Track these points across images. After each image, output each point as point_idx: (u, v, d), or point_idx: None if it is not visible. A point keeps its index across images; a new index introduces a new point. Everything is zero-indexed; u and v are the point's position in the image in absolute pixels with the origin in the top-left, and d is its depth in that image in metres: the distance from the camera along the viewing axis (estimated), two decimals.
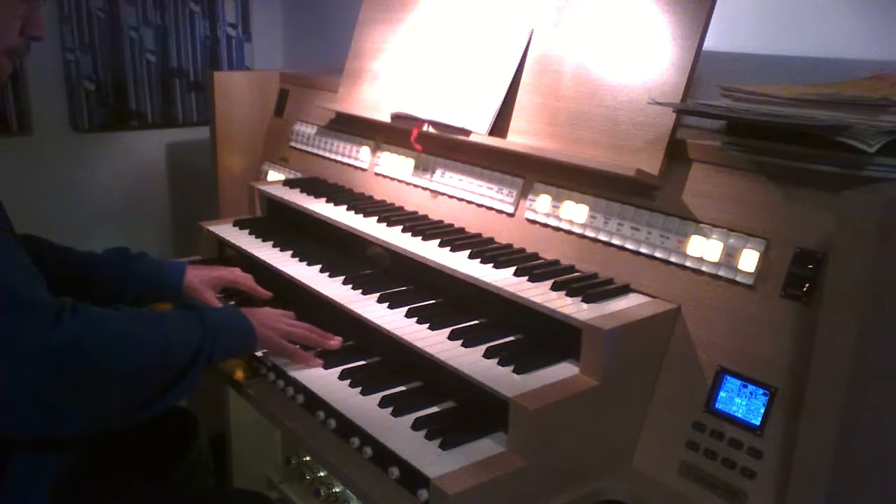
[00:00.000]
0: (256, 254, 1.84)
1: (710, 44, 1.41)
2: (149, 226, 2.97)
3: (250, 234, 1.98)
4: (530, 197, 1.63)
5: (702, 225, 1.35)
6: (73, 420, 1.22)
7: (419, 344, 1.39)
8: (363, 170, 2.08)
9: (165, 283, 1.67)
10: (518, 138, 1.66)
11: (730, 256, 1.29)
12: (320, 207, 1.90)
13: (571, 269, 1.51)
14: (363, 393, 1.39)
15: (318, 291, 1.62)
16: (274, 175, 2.39)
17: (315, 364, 1.49)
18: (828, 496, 1.06)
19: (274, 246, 1.88)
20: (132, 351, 1.24)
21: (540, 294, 1.39)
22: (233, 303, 1.75)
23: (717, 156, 1.34)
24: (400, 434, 1.27)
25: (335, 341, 1.54)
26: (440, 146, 1.84)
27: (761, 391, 1.23)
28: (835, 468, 1.05)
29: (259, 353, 1.55)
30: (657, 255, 1.40)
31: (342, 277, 1.66)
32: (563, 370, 1.32)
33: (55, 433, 1.25)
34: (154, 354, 1.27)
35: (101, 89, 2.74)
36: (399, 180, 1.95)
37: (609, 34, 1.53)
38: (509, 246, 1.64)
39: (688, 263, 1.36)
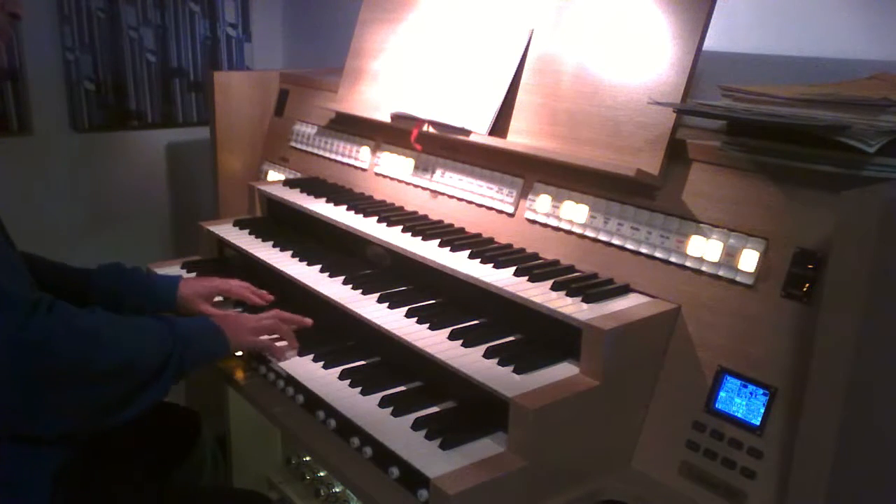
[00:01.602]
0: (256, 254, 1.84)
1: (710, 44, 1.41)
2: (149, 226, 2.97)
3: (250, 234, 1.98)
4: (530, 197, 1.63)
5: (702, 225, 1.35)
6: (45, 419, 1.22)
7: (419, 344, 1.39)
8: (363, 170, 2.08)
9: (160, 298, 1.69)
10: (518, 138, 1.66)
11: (730, 256, 1.29)
12: (320, 207, 1.90)
13: (571, 269, 1.51)
14: (363, 393, 1.39)
15: (318, 291, 1.62)
16: (274, 175, 2.39)
17: (292, 352, 1.53)
18: (828, 496, 1.06)
19: (274, 246, 1.88)
20: (102, 351, 1.25)
21: (540, 294, 1.39)
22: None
23: (717, 156, 1.34)
24: (400, 434, 1.27)
25: (307, 321, 1.59)
26: (440, 146, 1.84)
27: (761, 391, 1.23)
28: (835, 468, 1.05)
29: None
30: (657, 255, 1.40)
31: (342, 277, 1.66)
32: (563, 370, 1.32)
33: (28, 430, 1.25)
34: (124, 357, 1.28)
35: (101, 89, 2.74)
36: (399, 180, 1.95)
37: (609, 34, 1.53)
38: (509, 246, 1.64)
39: (688, 263, 1.36)
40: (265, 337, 1.55)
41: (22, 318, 1.16)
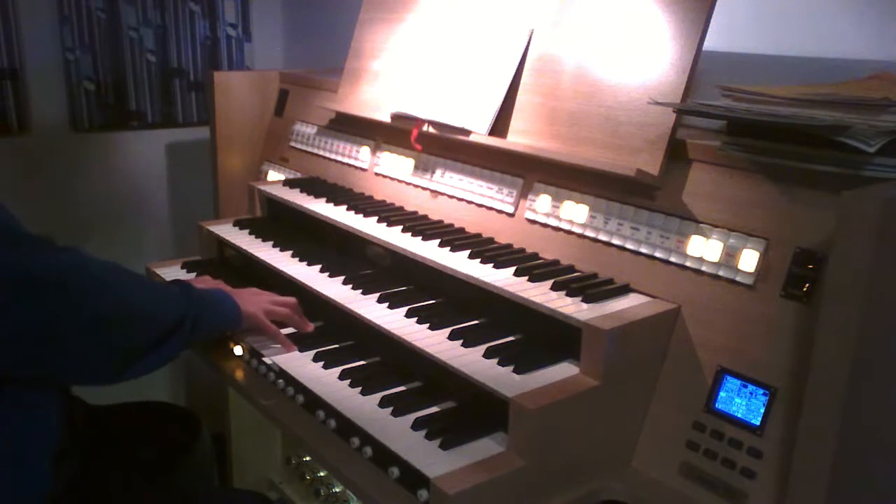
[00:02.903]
0: (256, 254, 1.84)
1: (710, 44, 1.41)
2: (149, 226, 2.97)
3: (250, 234, 1.98)
4: (530, 197, 1.63)
5: (702, 225, 1.35)
6: (53, 359, 1.23)
7: (419, 344, 1.39)
8: (363, 170, 2.08)
9: None
10: (518, 138, 1.66)
11: (730, 256, 1.29)
12: (320, 207, 1.90)
13: (571, 269, 1.51)
14: (363, 393, 1.39)
15: (318, 291, 1.62)
16: (274, 175, 2.39)
17: (292, 348, 1.55)
18: (828, 496, 1.06)
19: (274, 246, 1.88)
20: (115, 298, 1.27)
21: (540, 294, 1.39)
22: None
23: (717, 156, 1.34)
24: (400, 434, 1.27)
25: (310, 327, 1.62)
26: (440, 146, 1.84)
27: (761, 391, 1.23)
28: (835, 468, 1.05)
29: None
30: (657, 255, 1.40)
31: (342, 277, 1.66)
32: (563, 370, 1.32)
33: (34, 370, 1.25)
34: (138, 306, 1.31)
35: (101, 89, 2.74)
36: (399, 180, 1.95)
37: (609, 34, 1.53)
38: (509, 246, 1.64)
39: (688, 263, 1.36)
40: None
41: (36, 253, 1.17)
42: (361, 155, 2.09)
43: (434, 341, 1.40)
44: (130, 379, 1.34)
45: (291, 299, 1.63)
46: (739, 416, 1.24)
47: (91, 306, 1.23)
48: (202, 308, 1.43)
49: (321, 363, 1.50)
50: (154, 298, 1.37)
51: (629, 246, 1.44)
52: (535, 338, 1.42)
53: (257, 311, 1.54)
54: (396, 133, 1.93)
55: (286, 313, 1.59)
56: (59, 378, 1.32)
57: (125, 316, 1.29)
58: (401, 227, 1.73)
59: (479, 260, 1.54)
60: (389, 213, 1.82)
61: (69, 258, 1.23)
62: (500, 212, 1.70)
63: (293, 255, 1.81)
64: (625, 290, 1.41)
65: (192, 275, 1.95)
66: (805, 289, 1.20)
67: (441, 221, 1.80)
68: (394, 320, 1.48)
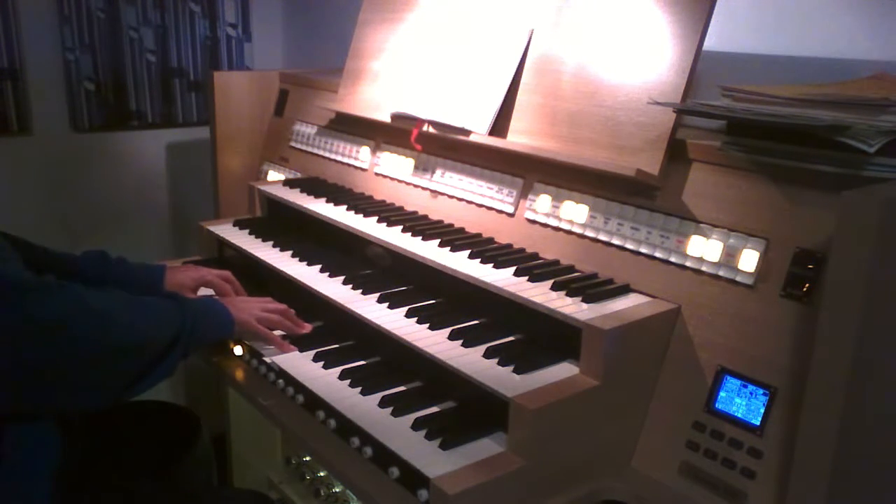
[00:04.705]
0: (256, 254, 1.84)
1: (710, 44, 1.41)
2: (149, 226, 2.97)
3: (250, 234, 1.98)
4: (530, 197, 1.63)
5: (702, 225, 1.35)
6: (58, 396, 1.23)
7: (419, 344, 1.39)
8: (363, 170, 2.08)
9: (146, 287, 1.69)
10: (518, 138, 1.66)
11: (730, 256, 1.29)
12: (320, 207, 1.90)
13: (571, 269, 1.51)
14: (363, 393, 1.39)
15: (318, 291, 1.62)
16: (274, 175, 2.39)
17: (290, 349, 1.55)
18: (828, 496, 1.06)
19: (274, 246, 1.88)
20: (115, 329, 1.27)
21: (540, 294, 1.39)
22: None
23: (717, 156, 1.34)
24: (400, 434, 1.27)
25: (306, 328, 1.61)
26: (440, 146, 1.84)
27: (761, 391, 1.23)
28: (835, 468, 1.05)
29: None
30: (657, 255, 1.40)
31: (342, 277, 1.66)
32: (563, 370, 1.32)
33: (38, 409, 1.26)
34: (138, 335, 1.30)
35: (101, 89, 2.74)
36: (399, 180, 1.95)
37: (609, 34, 1.53)
38: (509, 246, 1.64)
39: (688, 263, 1.36)
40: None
41: (33, 298, 1.17)
42: (361, 155, 2.09)
43: (434, 341, 1.40)
44: (130, 399, 1.34)
45: (282, 305, 1.63)
46: (739, 416, 1.24)
47: (92, 341, 1.23)
48: (196, 319, 1.42)
49: (321, 363, 1.50)
50: (151, 319, 1.36)
51: (629, 246, 1.44)
52: (535, 338, 1.42)
53: (249, 318, 1.54)
54: (396, 133, 1.93)
55: (277, 319, 1.58)
56: (63, 411, 1.31)
57: (126, 343, 1.28)
58: (401, 227, 1.73)
59: (479, 260, 1.54)
60: (389, 213, 1.82)
61: (67, 296, 1.23)
62: (500, 212, 1.70)
63: (293, 255, 1.81)
64: (625, 290, 1.41)
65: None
66: (805, 289, 1.20)
67: (441, 221, 1.80)
68: (394, 320, 1.48)
